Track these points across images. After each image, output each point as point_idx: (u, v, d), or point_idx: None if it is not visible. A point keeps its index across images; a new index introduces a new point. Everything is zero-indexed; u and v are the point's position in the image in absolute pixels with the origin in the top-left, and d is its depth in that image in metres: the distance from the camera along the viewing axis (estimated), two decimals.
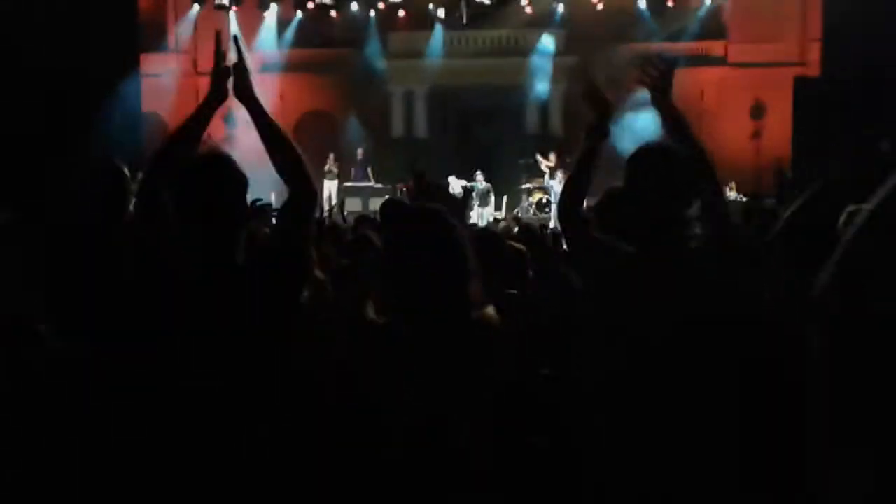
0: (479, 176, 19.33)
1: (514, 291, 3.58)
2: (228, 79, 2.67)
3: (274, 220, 5.01)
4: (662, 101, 2.74)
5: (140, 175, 2.65)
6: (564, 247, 3.03)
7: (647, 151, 2.69)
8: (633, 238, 2.66)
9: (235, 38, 2.90)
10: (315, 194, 2.63)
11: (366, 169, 20.53)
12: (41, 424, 2.57)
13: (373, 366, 2.42)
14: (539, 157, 19.38)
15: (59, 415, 2.57)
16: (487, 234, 4.07)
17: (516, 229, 8.24)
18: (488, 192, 19.30)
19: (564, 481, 2.89)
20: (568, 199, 2.78)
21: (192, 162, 2.53)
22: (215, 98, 2.68)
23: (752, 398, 2.57)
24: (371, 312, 2.49)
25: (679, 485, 2.48)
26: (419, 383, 2.36)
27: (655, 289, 2.53)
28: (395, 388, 2.37)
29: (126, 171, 3.33)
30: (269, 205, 6.89)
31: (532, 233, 5.86)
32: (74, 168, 3.28)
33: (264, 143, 2.60)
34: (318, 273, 3.66)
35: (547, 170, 19.29)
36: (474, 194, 19.18)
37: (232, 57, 2.72)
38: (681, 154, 2.63)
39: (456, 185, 18.96)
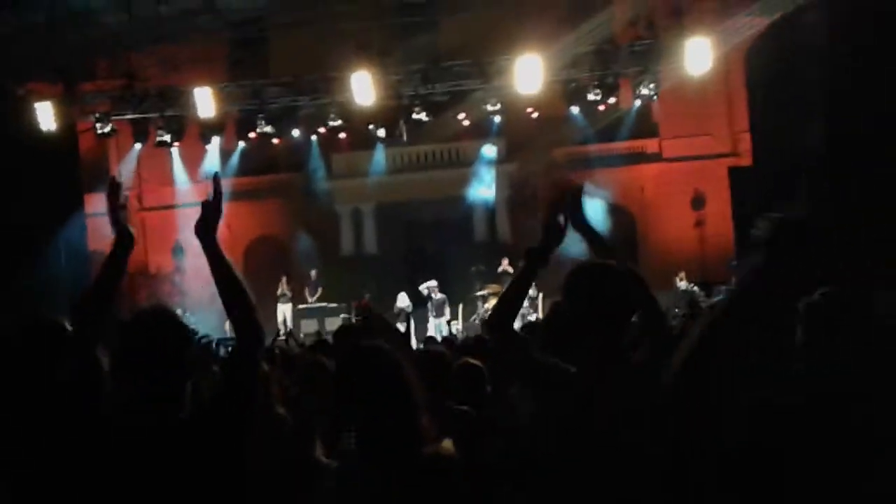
0: (434, 286, 19.39)
1: (466, 408, 3.53)
2: (127, 226, 2.65)
3: (220, 359, 4.89)
4: (579, 224, 2.80)
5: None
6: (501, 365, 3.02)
7: (582, 270, 2.71)
8: (576, 356, 2.66)
9: (216, 175, 2.76)
10: (262, 343, 2.59)
11: (316, 289, 20.53)
12: None
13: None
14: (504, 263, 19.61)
15: None
16: (433, 354, 4.03)
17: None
18: (444, 302, 19.32)
19: None
20: (499, 318, 2.77)
21: (133, 320, 2.46)
22: (120, 247, 2.65)
23: None
24: (320, 452, 2.42)
25: None
26: None
27: (600, 411, 2.51)
28: None
29: (64, 325, 3.23)
30: (211, 344, 6.78)
31: (486, 346, 5.79)
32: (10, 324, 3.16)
33: (218, 287, 2.55)
34: (280, 409, 3.56)
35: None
36: (430, 305, 19.19)
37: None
38: (616, 271, 2.67)
39: (404, 301, 18.98)
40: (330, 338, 12.83)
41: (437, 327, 18.50)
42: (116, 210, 2.65)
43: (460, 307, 19.93)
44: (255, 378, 2.50)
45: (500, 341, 2.71)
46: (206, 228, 2.58)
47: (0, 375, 3.06)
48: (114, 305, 2.58)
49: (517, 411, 3.17)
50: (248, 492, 2.42)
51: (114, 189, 2.68)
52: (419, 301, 19.29)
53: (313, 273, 20.99)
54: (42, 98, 17.35)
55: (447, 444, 2.41)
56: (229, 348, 5.88)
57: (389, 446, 2.34)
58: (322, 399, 3.56)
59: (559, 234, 2.77)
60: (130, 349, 2.39)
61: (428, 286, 19.25)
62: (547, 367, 2.65)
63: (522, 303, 2.80)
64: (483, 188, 23.39)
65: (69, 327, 3.26)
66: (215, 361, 5.16)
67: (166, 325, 2.44)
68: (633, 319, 2.73)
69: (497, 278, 19.96)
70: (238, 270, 2.61)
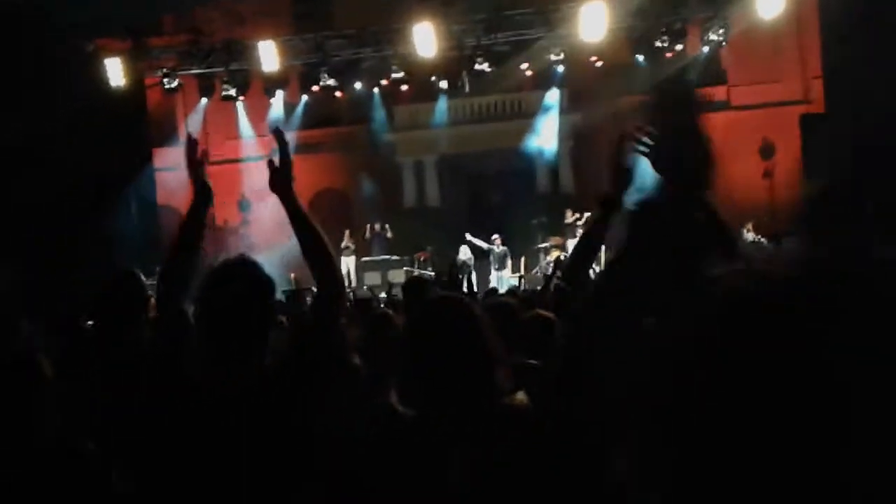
0: (497, 239, 19.38)
1: (534, 362, 3.51)
2: (206, 181, 2.68)
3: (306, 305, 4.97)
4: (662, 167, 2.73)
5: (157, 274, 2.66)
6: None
7: (650, 210, 2.63)
8: (646, 303, 2.60)
9: (277, 130, 2.79)
10: (343, 295, 2.61)
11: (383, 242, 20.64)
12: None
13: (405, 458, 2.36)
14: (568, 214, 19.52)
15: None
16: (500, 305, 4.02)
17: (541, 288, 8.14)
18: (505, 255, 19.31)
19: None
20: (572, 270, 2.75)
21: (217, 272, 2.49)
22: (200, 201, 2.69)
23: None
24: (395, 401, 2.44)
25: None
26: (454, 475, 2.31)
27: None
28: (430, 483, 2.32)
29: (141, 276, 3.35)
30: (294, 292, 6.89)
31: (565, 297, 5.67)
32: (94, 278, 3.29)
33: (299, 240, 2.58)
34: (355, 358, 3.60)
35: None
36: (492, 257, 19.22)
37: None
38: (688, 211, 2.59)
39: (465, 253, 18.99)
40: (384, 294, 12.93)
41: (498, 279, 18.52)
42: (195, 165, 2.70)
43: (522, 260, 19.89)
44: (335, 330, 2.54)
45: (579, 292, 2.67)
46: (280, 183, 2.61)
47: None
48: (197, 259, 2.63)
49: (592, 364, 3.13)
50: (329, 442, 2.45)
51: (191, 145, 2.74)
52: (481, 254, 19.32)
53: (376, 225, 21.07)
54: (111, 54, 17.67)
55: (521, 396, 2.42)
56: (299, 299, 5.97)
57: (466, 398, 2.35)
58: (390, 351, 3.61)
59: (628, 178, 2.73)
60: (214, 301, 2.43)
61: (488, 245, 19.23)
62: (625, 316, 2.60)
63: (597, 253, 2.78)
64: (546, 139, 23.14)
65: (144, 279, 3.38)
66: (285, 312, 5.25)
67: (248, 276, 2.47)
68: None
69: (560, 230, 19.85)
70: (317, 223, 2.64)
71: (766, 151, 22.34)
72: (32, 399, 2.23)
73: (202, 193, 2.68)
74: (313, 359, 2.46)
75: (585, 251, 2.78)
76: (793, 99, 22.13)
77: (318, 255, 2.56)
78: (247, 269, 2.50)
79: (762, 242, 17.34)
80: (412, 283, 5.15)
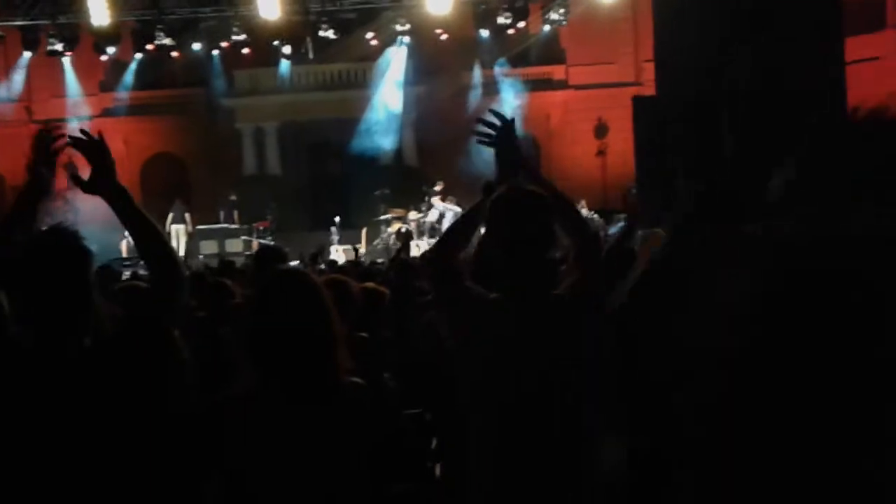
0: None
1: (365, 335, 3.52)
2: (49, 174, 2.43)
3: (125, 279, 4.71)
4: (515, 159, 2.75)
5: None
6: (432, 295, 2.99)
7: (509, 197, 2.66)
8: (500, 284, 2.64)
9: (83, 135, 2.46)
10: (183, 281, 2.41)
11: (232, 212, 19.94)
12: None
13: (245, 439, 2.32)
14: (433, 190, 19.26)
15: None
16: (334, 279, 4.00)
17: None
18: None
19: None
20: (444, 251, 2.71)
21: (30, 241, 2.28)
22: (33, 193, 2.44)
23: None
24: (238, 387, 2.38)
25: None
26: (295, 456, 2.30)
27: (520, 337, 2.53)
28: (270, 460, 2.30)
29: None
30: (111, 265, 6.54)
31: (407, 271, 5.66)
32: None
33: (131, 234, 2.36)
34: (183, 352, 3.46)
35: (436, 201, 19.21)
36: (334, 229, 19.04)
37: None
38: (542, 198, 2.64)
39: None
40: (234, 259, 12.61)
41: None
42: (42, 155, 2.42)
43: (364, 231, 19.81)
44: (177, 313, 2.38)
45: (445, 274, 2.63)
46: (102, 183, 2.34)
47: None
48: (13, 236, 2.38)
49: (435, 337, 3.15)
50: (156, 425, 2.32)
51: (41, 138, 2.45)
52: (327, 226, 19.12)
53: (231, 196, 20.32)
54: None
55: (356, 379, 2.41)
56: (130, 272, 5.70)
57: (307, 376, 2.32)
58: (228, 322, 3.52)
59: (515, 168, 2.74)
60: (27, 273, 2.20)
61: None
62: (475, 294, 2.62)
63: (472, 235, 2.76)
64: (390, 110, 23.06)
65: None
66: (117, 282, 4.99)
67: (64, 246, 2.24)
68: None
69: (399, 204, 19.73)
70: (152, 217, 2.43)
71: (601, 131, 23.22)
72: None
73: (37, 186, 2.43)
74: (147, 341, 2.30)
75: (459, 233, 2.75)
76: (626, 81, 23.05)
77: (153, 245, 2.35)
78: (61, 239, 2.27)
79: (595, 218, 18.03)
80: (266, 253, 4.92)
